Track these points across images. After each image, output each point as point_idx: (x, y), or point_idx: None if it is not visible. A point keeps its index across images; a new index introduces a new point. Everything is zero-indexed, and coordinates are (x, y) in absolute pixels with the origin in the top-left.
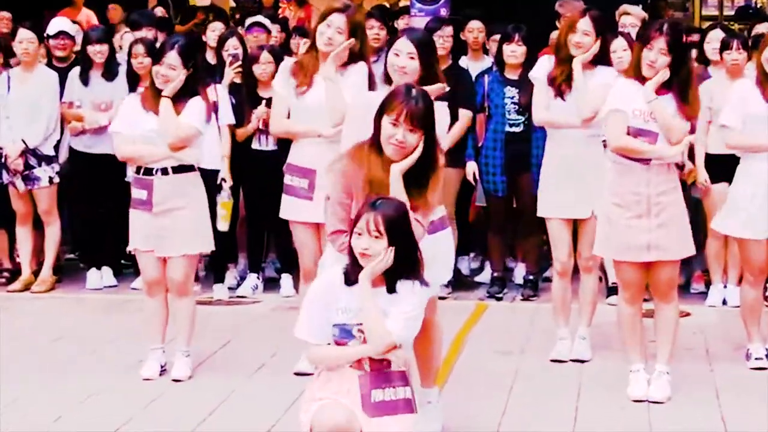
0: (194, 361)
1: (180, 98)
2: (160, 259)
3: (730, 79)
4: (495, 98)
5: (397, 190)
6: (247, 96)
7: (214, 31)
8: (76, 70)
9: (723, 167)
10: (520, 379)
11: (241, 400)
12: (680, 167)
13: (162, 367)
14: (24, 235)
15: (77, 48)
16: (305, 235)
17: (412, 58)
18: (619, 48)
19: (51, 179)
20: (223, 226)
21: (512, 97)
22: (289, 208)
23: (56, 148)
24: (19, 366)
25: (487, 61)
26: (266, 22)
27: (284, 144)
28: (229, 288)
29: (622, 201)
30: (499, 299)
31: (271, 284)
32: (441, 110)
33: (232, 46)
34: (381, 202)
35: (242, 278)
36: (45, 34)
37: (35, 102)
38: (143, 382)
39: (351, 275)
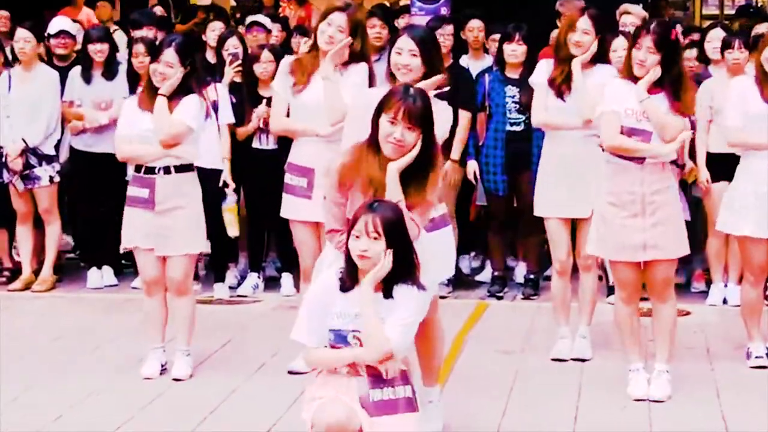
0: (195, 361)
1: (176, 96)
2: (159, 259)
3: (731, 78)
4: (496, 97)
5: (393, 189)
6: (247, 95)
7: (214, 30)
8: (76, 69)
9: (724, 166)
10: (520, 378)
11: (241, 400)
12: (681, 166)
13: (162, 366)
14: (24, 234)
15: (78, 47)
16: (305, 234)
17: (414, 55)
18: (620, 47)
19: (51, 178)
20: (233, 231)
21: (513, 96)
22: (289, 207)
23: (57, 147)
24: (19, 365)
25: (488, 60)
26: (266, 21)
27: (285, 143)
28: (230, 287)
29: (617, 200)
30: (500, 298)
31: (272, 283)
32: (444, 111)
33: (232, 45)
34: (378, 204)
35: (243, 277)
36: (46, 34)
37: (36, 101)
38: (144, 381)
39: (347, 280)
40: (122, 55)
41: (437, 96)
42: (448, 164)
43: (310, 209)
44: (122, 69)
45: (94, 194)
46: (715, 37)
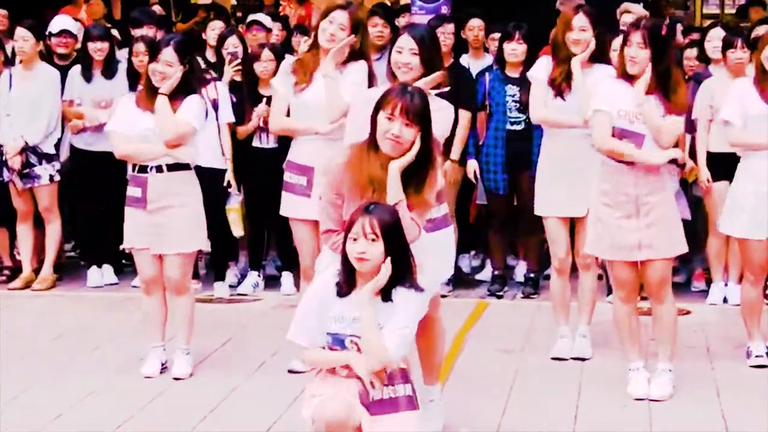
0: (195, 359)
1: (176, 95)
2: (157, 257)
3: (732, 77)
4: (496, 96)
5: (394, 188)
6: (248, 94)
7: (214, 29)
8: (76, 68)
9: (724, 166)
10: (520, 377)
11: (241, 398)
12: (681, 166)
13: (163, 364)
14: (25, 233)
15: (79, 46)
16: (304, 232)
17: (414, 54)
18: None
19: (51, 177)
20: (238, 231)
21: (513, 95)
22: (288, 205)
23: (57, 146)
24: (19, 364)
25: (488, 59)
26: (266, 20)
27: (285, 142)
28: (230, 286)
29: (612, 201)
30: (500, 297)
31: (272, 282)
32: (445, 110)
33: (232, 44)
34: (374, 207)
35: (243, 276)
36: (47, 32)
37: (37, 100)
38: (144, 381)
39: (344, 285)
40: (121, 54)
41: (438, 95)
42: (448, 164)
43: (310, 207)
44: (122, 68)
45: (94, 193)
46: (716, 36)
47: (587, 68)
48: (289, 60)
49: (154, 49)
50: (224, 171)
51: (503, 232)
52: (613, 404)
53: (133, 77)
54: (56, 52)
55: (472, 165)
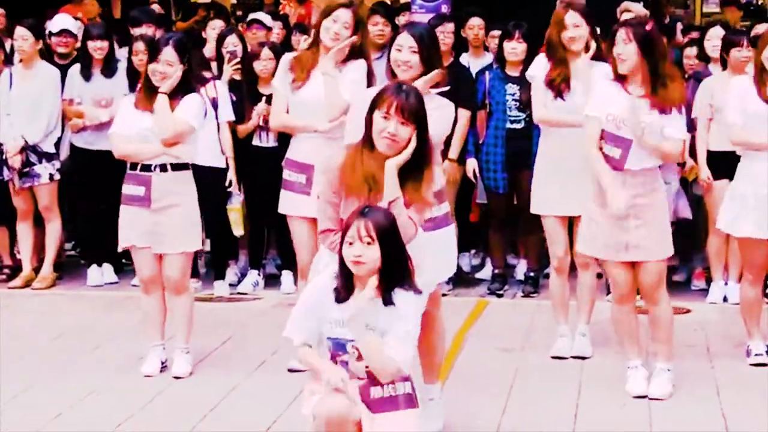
0: (195, 358)
1: (175, 94)
2: (156, 257)
3: (734, 76)
4: (496, 95)
5: (391, 186)
6: (247, 93)
7: (214, 29)
8: (76, 67)
9: (724, 164)
10: (520, 376)
11: (241, 397)
12: (682, 164)
13: (162, 363)
14: (25, 231)
15: (79, 45)
16: (302, 230)
17: (414, 52)
18: None
19: (51, 176)
20: (238, 231)
21: (513, 94)
22: (287, 203)
23: (57, 145)
24: (19, 363)
25: (488, 58)
26: (266, 19)
27: (285, 140)
28: (230, 285)
29: (603, 201)
30: (500, 296)
31: (272, 281)
32: (446, 108)
33: (231, 43)
34: (370, 210)
35: (243, 275)
36: (48, 31)
37: (37, 99)
38: (144, 380)
39: (342, 290)
40: (120, 53)
41: (438, 94)
42: (447, 163)
43: (309, 205)
44: (122, 66)
45: (94, 192)
46: (715, 35)
47: (587, 66)
48: (287, 57)
49: (153, 49)
50: (224, 170)
51: (503, 230)
52: (613, 403)
53: (133, 76)
54: (56, 52)
55: (471, 164)
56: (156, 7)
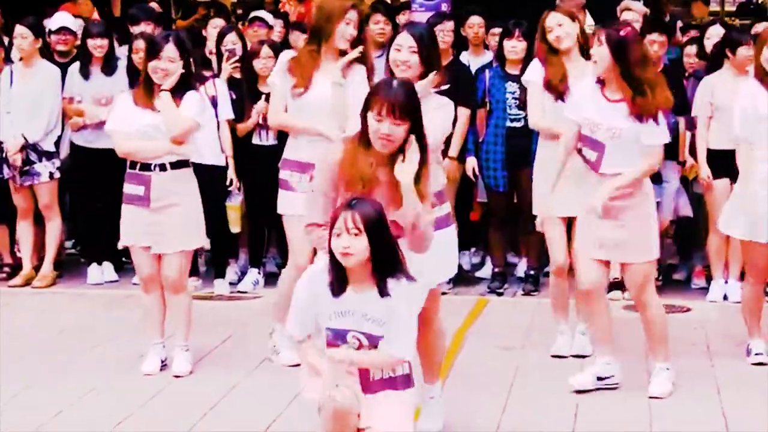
0: (195, 357)
1: (175, 92)
2: (155, 256)
3: (736, 74)
4: (496, 93)
5: (411, 201)
6: (247, 91)
7: (215, 27)
8: (75, 65)
9: (724, 163)
10: (521, 375)
11: (241, 396)
12: (682, 163)
13: (162, 362)
14: (25, 230)
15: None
16: (300, 229)
17: (413, 52)
18: None
19: (51, 174)
20: (234, 229)
21: (513, 93)
22: (286, 202)
23: (57, 143)
24: (19, 362)
25: (488, 56)
26: (268, 17)
27: (284, 139)
28: (230, 283)
29: (587, 201)
30: (500, 294)
31: (272, 279)
32: (447, 107)
33: (230, 41)
34: (357, 202)
35: (243, 273)
36: (47, 30)
37: (37, 97)
38: (143, 378)
39: (336, 283)
40: (120, 51)
41: (438, 92)
42: (447, 161)
43: None
44: (122, 65)
45: (94, 190)
46: (715, 33)
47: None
48: (286, 55)
49: (151, 47)
50: (224, 168)
51: (503, 229)
52: (614, 401)
53: (134, 74)
54: (56, 50)
55: (471, 162)
56: (154, 5)
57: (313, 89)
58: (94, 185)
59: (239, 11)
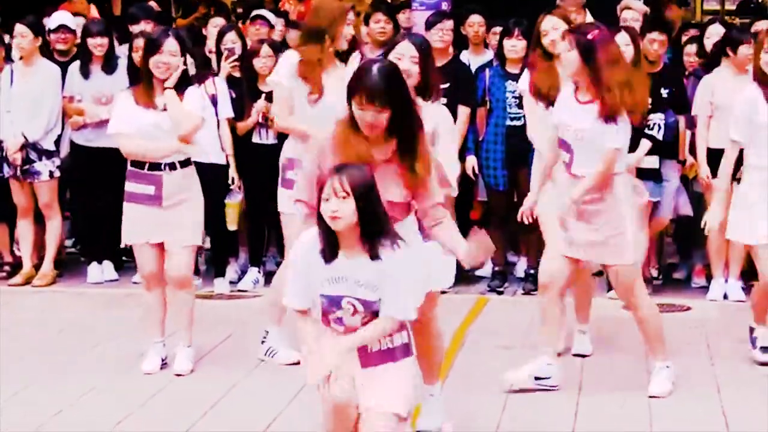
0: (195, 355)
1: (177, 89)
2: (158, 253)
3: (736, 73)
4: (496, 92)
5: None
6: (247, 90)
7: (215, 26)
8: (76, 64)
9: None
10: None
11: (242, 395)
12: (682, 162)
13: (163, 360)
14: (25, 229)
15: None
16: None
17: (415, 62)
18: (622, 43)
19: (51, 173)
20: (231, 226)
21: (513, 91)
22: (287, 201)
23: (57, 142)
24: (19, 361)
25: (488, 55)
26: (270, 15)
27: (284, 137)
28: (230, 282)
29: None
30: (500, 293)
31: (272, 278)
32: (441, 110)
33: (230, 40)
34: (343, 166)
35: (243, 272)
36: (47, 29)
37: (37, 96)
38: (143, 377)
39: (327, 250)
40: (120, 50)
41: (438, 91)
42: None
43: None
44: (122, 63)
45: (94, 189)
46: (715, 32)
47: None
48: (292, 58)
49: (151, 43)
50: (224, 166)
51: (503, 228)
52: (614, 401)
53: (134, 73)
54: (55, 49)
55: (471, 161)
56: (154, 4)
57: (326, 96)
58: (95, 184)
59: (239, 10)
